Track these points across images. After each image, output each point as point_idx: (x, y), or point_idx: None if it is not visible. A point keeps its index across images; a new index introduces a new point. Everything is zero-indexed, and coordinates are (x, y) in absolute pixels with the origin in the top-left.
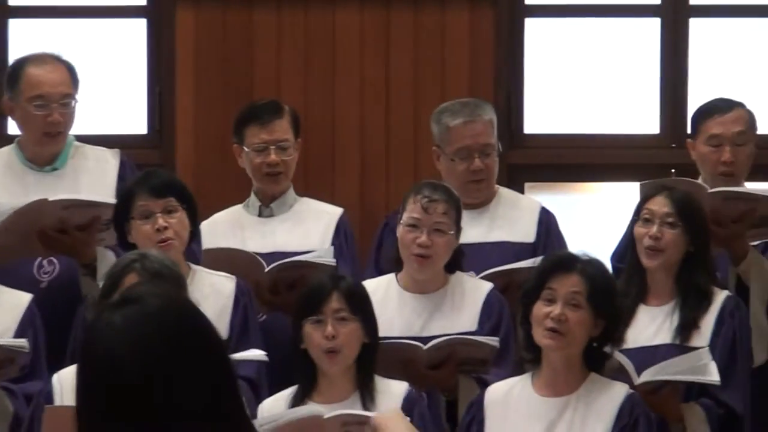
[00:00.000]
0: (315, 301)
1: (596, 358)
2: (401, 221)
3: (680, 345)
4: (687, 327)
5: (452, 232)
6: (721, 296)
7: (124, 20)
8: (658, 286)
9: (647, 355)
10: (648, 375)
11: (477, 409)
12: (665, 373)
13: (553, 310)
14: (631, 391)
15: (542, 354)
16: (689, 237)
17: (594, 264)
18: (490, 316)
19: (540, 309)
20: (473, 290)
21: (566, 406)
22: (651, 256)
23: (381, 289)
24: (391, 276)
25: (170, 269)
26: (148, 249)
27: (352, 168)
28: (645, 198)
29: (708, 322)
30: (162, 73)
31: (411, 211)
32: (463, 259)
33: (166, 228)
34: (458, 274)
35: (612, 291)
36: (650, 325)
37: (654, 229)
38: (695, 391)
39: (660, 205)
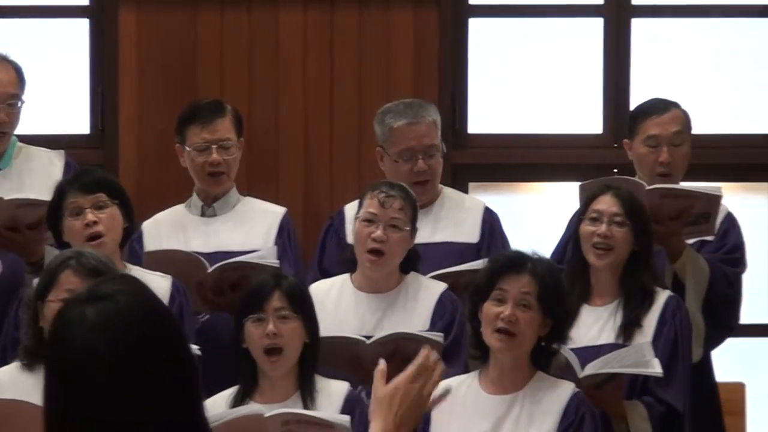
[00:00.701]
0: (257, 299)
1: (543, 356)
2: (358, 217)
3: (623, 344)
4: (630, 326)
5: (408, 229)
6: (663, 296)
7: (67, 20)
8: (602, 286)
9: (591, 355)
10: (592, 368)
11: None
12: (609, 367)
13: (504, 311)
14: (577, 389)
15: (490, 352)
16: (634, 236)
17: (544, 264)
18: (443, 315)
19: (490, 309)
20: (427, 290)
21: (513, 404)
22: (600, 256)
23: (335, 288)
24: (346, 276)
25: (107, 266)
26: (83, 247)
27: (296, 168)
28: (591, 197)
29: (650, 322)
30: (105, 74)
31: (368, 207)
32: (418, 260)
33: (95, 223)
34: (413, 274)
35: (561, 290)
36: (594, 325)
37: (603, 227)
38: (637, 389)
39: (608, 204)
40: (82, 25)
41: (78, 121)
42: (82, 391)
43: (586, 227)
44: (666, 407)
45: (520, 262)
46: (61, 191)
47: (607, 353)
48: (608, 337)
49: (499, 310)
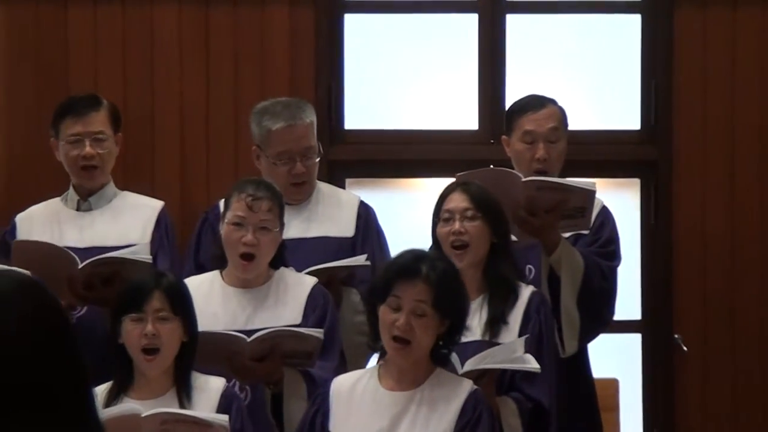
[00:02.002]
0: (136, 298)
1: (442, 353)
2: (226, 220)
3: (489, 341)
4: (495, 322)
5: (277, 230)
6: (527, 292)
7: None
8: (467, 282)
9: (458, 352)
10: (471, 364)
11: (322, 400)
12: (485, 363)
13: (399, 319)
14: (475, 387)
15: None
16: (490, 227)
17: (438, 268)
18: (315, 309)
19: (386, 315)
20: (297, 284)
21: (411, 401)
22: (458, 256)
23: (205, 285)
24: (216, 272)
25: None
26: None
27: (172, 164)
28: (441, 198)
29: (515, 318)
30: None
31: (236, 210)
32: (285, 252)
33: None
34: (282, 269)
35: (457, 291)
36: None
37: (456, 225)
38: (504, 386)
39: (457, 201)
40: None
41: None
42: None
43: (441, 229)
44: (533, 403)
45: (415, 268)
46: None
47: (474, 350)
48: (474, 334)
49: (394, 318)
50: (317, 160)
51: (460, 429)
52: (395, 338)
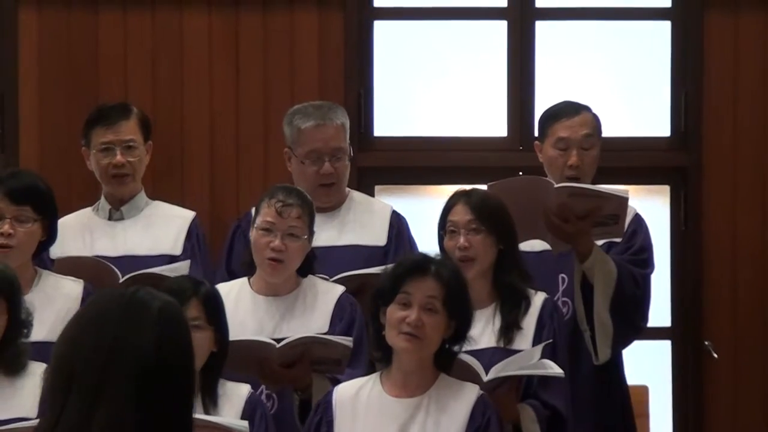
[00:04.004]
0: None
1: (446, 358)
2: (255, 225)
3: (504, 348)
4: (509, 328)
5: (306, 237)
6: (539, 298)
7: None
8: (477, 292)
9: (475, 359)
10: (495, 372)
11: (325, 409)
12: (508, 370)
13: (410, 315)
14: (482, 392)
15: (393, 354)
16: (495, 236)
17: (448, 267)
18: (342, 318)
19: (395, 313)
20: (325, 293)
21: (418, 408)
22: (465, 267)
23: (233, 292)
24: (244, 280)
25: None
26: None
27: (202, 171)
28: (446, 210)
29: (529, 324)
30: (4, 75)
31: (265, 215)
32: (315, 262)
33: (10, 235)
34: (310, 277)
35: (465, 293)
36: (473, 330)
37: (461, 239)
38: (521, 393)
39: (461, 214)
40: None
41: None
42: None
43: (448, 242)
44: (550, 410)
45: (424, 265)
46: None
47: (489, 356)
48: (489, 340)
49: (405, 314)
50: (347, 163)
51: None
52: (405, 333)
